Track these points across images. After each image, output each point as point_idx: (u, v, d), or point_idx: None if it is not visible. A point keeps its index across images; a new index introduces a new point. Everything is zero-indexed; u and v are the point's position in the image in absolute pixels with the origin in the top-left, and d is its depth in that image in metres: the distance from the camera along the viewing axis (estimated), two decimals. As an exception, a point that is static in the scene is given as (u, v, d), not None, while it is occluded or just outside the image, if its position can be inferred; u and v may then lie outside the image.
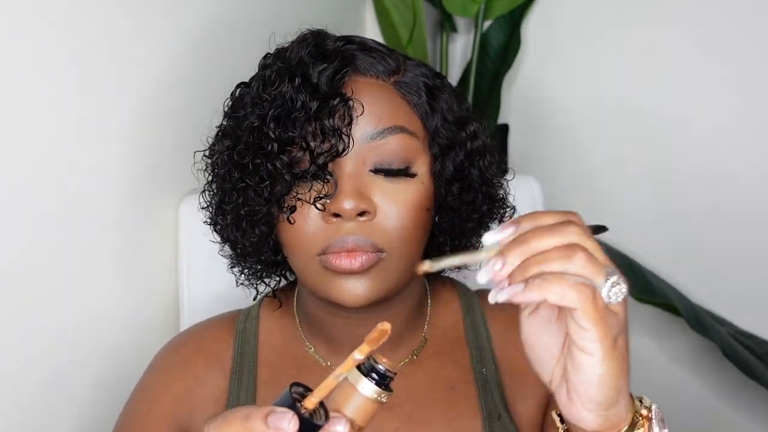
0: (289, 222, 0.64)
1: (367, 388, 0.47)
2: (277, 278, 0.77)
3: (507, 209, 0.74)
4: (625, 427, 0.51)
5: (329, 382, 0.45)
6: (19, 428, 0.76)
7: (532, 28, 1.45)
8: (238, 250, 0.71)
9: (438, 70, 1.54)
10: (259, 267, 0.74)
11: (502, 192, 0.74)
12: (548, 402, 0.71)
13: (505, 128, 1.49)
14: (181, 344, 0.77)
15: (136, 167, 0.90)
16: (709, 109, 1.29)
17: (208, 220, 0.72)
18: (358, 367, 0.47)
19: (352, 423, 0.46)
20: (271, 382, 0.73)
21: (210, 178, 0.71)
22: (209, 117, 0.74)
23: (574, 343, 0.48)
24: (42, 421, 0.79)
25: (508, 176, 0.75)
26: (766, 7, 1.21)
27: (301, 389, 0.46)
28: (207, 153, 0.71)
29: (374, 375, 0.47)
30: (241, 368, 0.73)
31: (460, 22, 1.53)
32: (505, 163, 0.74)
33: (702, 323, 1.21)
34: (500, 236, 0.48)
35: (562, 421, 0.56)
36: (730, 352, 1.18)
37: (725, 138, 1.28)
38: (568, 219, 0.48)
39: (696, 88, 1.30)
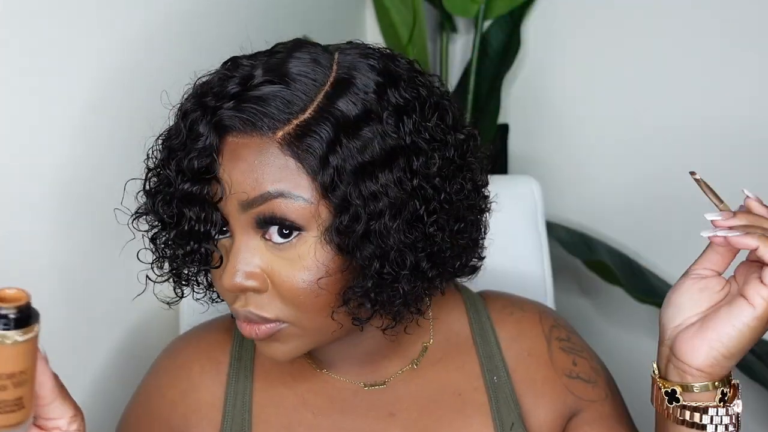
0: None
1: None
2: None
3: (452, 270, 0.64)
4: (719, 381, 0.56)
5: None
6: (19, 429, 0.76)
7: (532, 28, 1.45)
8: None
9: (438, 70, 1.55)
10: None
11: (439, 246, 0.60)
12: (568, 415, 0.71)
13: (505, 128, 1.49)
14: (178, 348, 0.77)
15: (134, 166, 0.90)
16: (710, 109, 1.29)
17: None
18: None
19: None
20: (268, 388, 0.72)
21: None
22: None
23: (743, 294, 0.55)
24: (42, 421, 0.78)
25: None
26: (765, 13, 1.21)
27: None
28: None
29: None
30: (237, 374, 0.73)
31: (460, 22, 1.53)
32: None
33: (702, 323, 1.21)
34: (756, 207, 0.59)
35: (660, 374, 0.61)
36: (730, 352, 1.18)
37: (726, 139, 1.28)
38: None
39: (697, 89, 1.30)
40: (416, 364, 0.72)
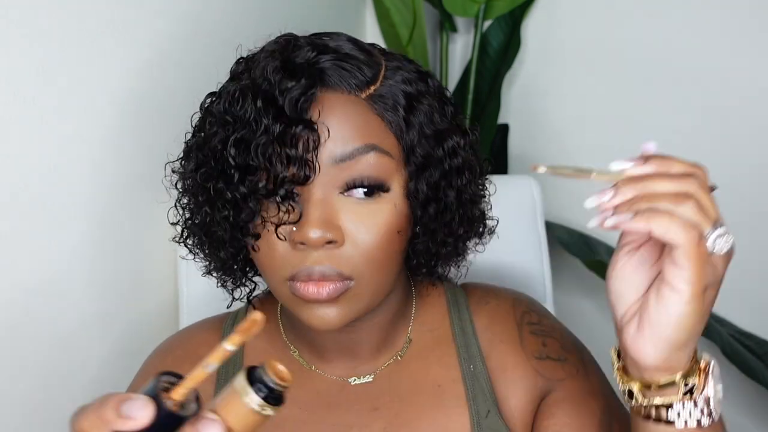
0: (253, 249, 0.63)
1: (251, 398, 0.44)
2: (253, 285, 0.75)
3: (486, 229, 0.71)
4: (681, 373, 0.51)
5: (198, 373, 0.43)
6: (20, 427, 0.76)
7: (532, 28, 1.45)
8: (210, 265, 0.71)
9: (438, 70, 1.55)
10: (232, 278, 0.72)
11: (481, 208, 0.70)
12: (540, 397, 0.71)
13: (505, 128, 1.49)
14: (168, 349, 0.77)
15: (134, 166, 0.90)
16: (708, 112, 1.29)
17: (177, 237, 0.70)
18: (249, 375, 0.45)
19: (230, 430, 0.44)
20: None
21: (179, 195, 0.69)
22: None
23: (665, 280, 0.49)
24: (42, 420, 0.79)
25: (490, 189, 0.71)
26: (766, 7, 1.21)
27: (173, 379, 0.43)
28: (175, 167, 0.69)
29: (261, 386, 0.44)
30: (226, 372, 0.73)
31: (460, 22, 1.53)
32: (487, 170, 0.70)
33: (702, 323, 1.21)
34: (626, 166, 0.51)
35: (619, 358, 0.56)
36: (730, 352, 1.18)
37: (725, 139, 1.28)
38: (692, 171, 0.50)
39: (697, 88, 1.30)
40: (400, 357, 0.73)
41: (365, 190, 0.61)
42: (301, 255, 0.61)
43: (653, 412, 0.52)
